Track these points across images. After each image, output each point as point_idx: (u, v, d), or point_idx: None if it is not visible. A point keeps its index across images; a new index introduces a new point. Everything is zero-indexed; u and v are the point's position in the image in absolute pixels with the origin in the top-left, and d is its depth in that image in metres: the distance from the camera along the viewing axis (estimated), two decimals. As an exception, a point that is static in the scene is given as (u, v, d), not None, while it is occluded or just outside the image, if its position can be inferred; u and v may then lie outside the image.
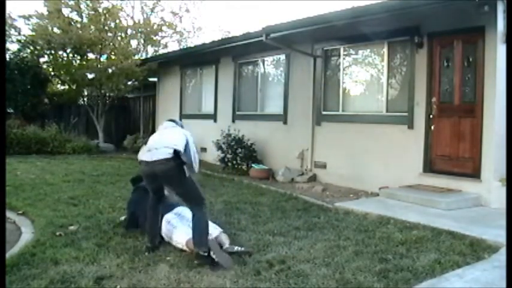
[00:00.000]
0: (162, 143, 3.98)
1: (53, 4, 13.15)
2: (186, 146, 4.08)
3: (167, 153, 3.83)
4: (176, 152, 3.83)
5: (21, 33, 13.78)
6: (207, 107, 11.44)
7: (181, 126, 4.43)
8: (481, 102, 6.00)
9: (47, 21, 13.06)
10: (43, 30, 12.77)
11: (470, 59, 6.20)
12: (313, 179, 8.10)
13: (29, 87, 13.08)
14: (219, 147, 9.23)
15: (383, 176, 6.91)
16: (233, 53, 10.23)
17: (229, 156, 9.09)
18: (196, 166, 4.17)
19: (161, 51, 18.48)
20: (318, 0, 21.19)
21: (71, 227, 4.66)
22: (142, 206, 4.32)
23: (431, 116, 6.61)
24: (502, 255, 3.76)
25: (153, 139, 4.17)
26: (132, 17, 19.37)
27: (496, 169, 5.76)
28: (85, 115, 14.61)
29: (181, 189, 3.97)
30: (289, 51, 8.81)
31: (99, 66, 12.99)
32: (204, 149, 11.03)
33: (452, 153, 6.39)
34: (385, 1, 6.31)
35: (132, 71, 12.88)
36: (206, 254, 3.62)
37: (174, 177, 3.86)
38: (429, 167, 6.64)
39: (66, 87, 14.40)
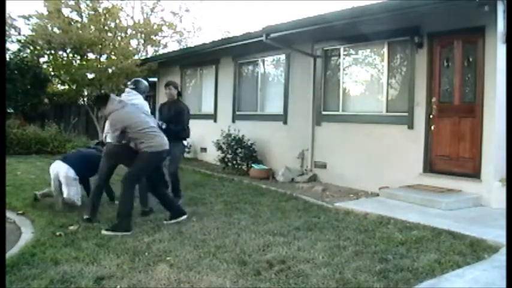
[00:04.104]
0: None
1: (53, 4, 13.16)
2: None
3: None
4: None
5: (21, 33, 13.84)
6: (207, 107, 11.44)
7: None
8: (481, 102, 6.00)
9: (47, 21, 13.06)
10: (43, 30, 12.78)
11: (470, 59, 6.20)
12: (313, 179, 8.10)
13: (29, 87, 13.11)
14: (219, 147, 9.22)
15: (383, 176, 6.90)
16: (233, 53, 10.22)
17: (229, 156, 9.09)
18: None
19: (161, 51, 18.47)
20: (318, 0, 21.18)
21: (71, 227, 4.66)
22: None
23: (431, 116, 6.61)
24: (502, 255, 3.76)
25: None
26: (132, 17, 19.39)
27: (496, 169, 5.76)
28: (85, 115, 14.63)
29: None
30: (289, 51, 8.81)
31: (99, 66, 12.99)
32: (204, 149, 11.04)
33: (452, 153, 6.39)
34: (385, 1, 6.31)
35: (132, 71, 12.88)
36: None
37: None
38: (429, 167, 6.64)
39: (66, 87, 14.42)
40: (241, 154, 8.98)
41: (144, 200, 5.40)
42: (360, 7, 6.46)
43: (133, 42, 16.68)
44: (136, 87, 5.30)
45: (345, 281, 3.31)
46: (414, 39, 6.65)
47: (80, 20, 13.66)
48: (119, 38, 14.52)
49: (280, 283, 3.27)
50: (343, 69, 7.99)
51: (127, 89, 5.35)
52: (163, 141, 4.82)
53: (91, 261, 3.66)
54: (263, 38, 8.02)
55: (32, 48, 13.45)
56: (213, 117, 11.07)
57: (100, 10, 13.66)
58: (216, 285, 3.24)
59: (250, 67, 10.33)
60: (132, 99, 5.13)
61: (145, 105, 5.33)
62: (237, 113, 10.37)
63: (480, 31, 5.95)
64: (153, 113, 6.52)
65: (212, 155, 9.95)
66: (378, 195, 6.51)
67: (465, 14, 5.94)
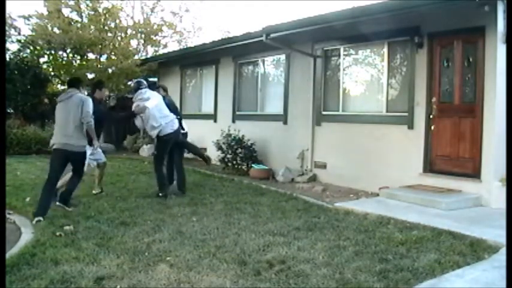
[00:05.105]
0: None
1: (53, 4, 13.15)
2: None
3: None
4: None
5: (21, 33, 13.82)
6: (207, 107, 11.44)
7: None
8: (481, 102, 6.00)
9: (47, 21, 13.07)
10: (43, 30, 12.78)
11: (471, 59, 6.20)
12: (313, 179, 8.10)
13: (29, 87, 13.10)
14: (219, 147, 9.22)
15: (383, 176, 6.90)
16: (233, 53, 10.22)
17: (229, 156, 9.09)
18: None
19: (161, 51, 18.43)
20: (318, 0, 21.17)
21: (70, 227, 4.66)
22: None
23: (431, 116, 6.61)
24: (502, 255, 3.76)
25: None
26: (132, 17, 19.33)
27: (496, 169, 5.76)
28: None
29: None
30: (289, 51, 8.81)
31: (99, 66, 13.00)
32: (204, 149, 11.01)
33: (453, 153, 6.39)
34: (385, 1, 6.31)
35: (132, 71, 12.89)
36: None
37: None
38: (429, 167, 6.64)
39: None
40: (241, 154, 8.98)
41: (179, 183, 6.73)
42: (360, 7, 6.46)
43: (134, 42, 16.68)
44: (141, 86, 6.62)
45: (345, 281, 3.31)
46: (414, 39, 6.65)
47: (80, 20, 13.66)
48: (119, 38, 14.52)
49: (280, 283, 3.27)
50: (343, 69, 7.99)
51: (140, 90, 6.57)
52: (57, 140, 5.35)
53: (91, 261, 3.66)
54: (263, 38, 8.02)
55: (32, 48, 13.45)
56: (213, 117, 11.07)
57: (100, 10, 13.66)
58: (216, 285, 3.24)
59: (250, 67, 10.33)
60: (145, 97, 6.48)
61: (154, 100, 6.50)
62: (237, 113, 10.37)
63: (480, 31, 5.95)
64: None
65: (212, 155, 9.92)
66: (378, 195, 6.52)
67: (465, 14, 5.94)
